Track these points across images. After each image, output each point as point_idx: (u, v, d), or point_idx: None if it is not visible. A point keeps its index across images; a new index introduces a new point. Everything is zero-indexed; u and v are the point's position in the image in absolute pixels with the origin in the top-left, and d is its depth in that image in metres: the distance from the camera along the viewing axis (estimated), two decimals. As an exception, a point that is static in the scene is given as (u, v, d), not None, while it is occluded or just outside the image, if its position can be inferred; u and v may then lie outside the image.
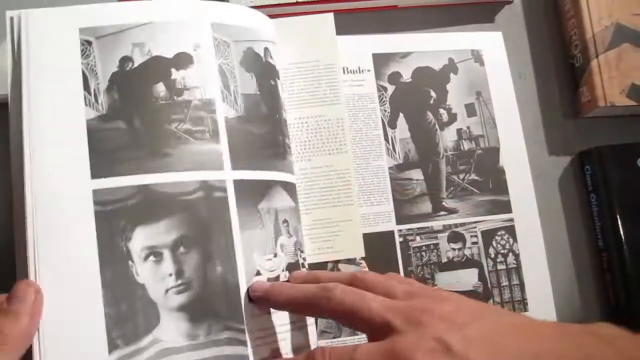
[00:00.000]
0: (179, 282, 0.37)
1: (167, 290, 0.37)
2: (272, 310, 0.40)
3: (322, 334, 0.46)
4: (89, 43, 0.41)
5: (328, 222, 0.47)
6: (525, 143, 0.53)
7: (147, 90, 0.41)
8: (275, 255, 0.41)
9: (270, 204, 0.42)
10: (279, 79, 0.47)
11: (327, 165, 0.48)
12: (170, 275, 0.37)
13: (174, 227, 0.38)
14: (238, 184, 0.40)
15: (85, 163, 0.38)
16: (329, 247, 0.47)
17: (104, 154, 0.38)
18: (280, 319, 0.41)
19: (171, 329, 0.36)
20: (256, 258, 0.40)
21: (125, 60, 0.41)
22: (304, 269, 0.44)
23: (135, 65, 0.41)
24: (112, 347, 0.35)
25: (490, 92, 0.53)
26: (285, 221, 0.43)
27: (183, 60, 0.42)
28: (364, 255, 0.47)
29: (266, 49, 0.46)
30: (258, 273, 0.40)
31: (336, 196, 0.48)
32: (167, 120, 0.40)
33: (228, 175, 0.40)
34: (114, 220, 0.37)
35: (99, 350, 0.35)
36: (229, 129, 0.42)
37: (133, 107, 0.40)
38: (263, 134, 0.43)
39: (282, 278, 0.42)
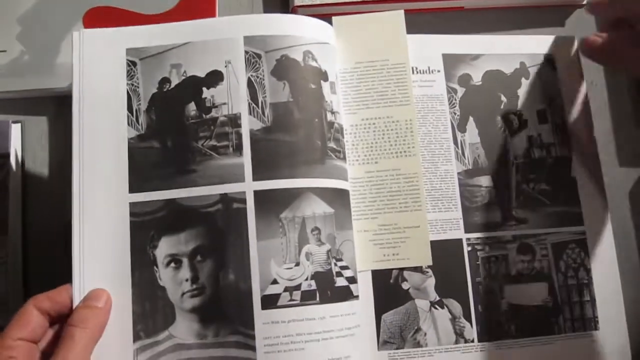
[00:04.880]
0: (194, 286, 0.41)
1: (183, 294, 0.41)
2: (291, 318, 0.40)
3: (384, 344, 0.44)
4: (134, 64, 0.44)
5: (394, 228, 0.45)
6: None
7: (179, 111, 0.44)
8: (298, 264, 0.41)
9: (296, 212, 0.42)
10: (325, 80, 0.45)
11: (394, 169, 0.46)
12: (187, 280, 0.41)
13: (193, 238, 0.42)
14: (259, 194, 0.42)
15: (125, 179, 0.42)
16: (394, 254, 0.45)
17: (140, 171, 0.43)
18: (299, 329, 0.40)
19: (184, 328, 0.41)
20: (273, 267, 0.41)
21: (164, 81, 0.44)
22: (341, 278, 0.42)
23: (172, 86, 0.44)
24: (136, 337, 0.41)
25: (563, 99, 0.50)
26: (315, 229, 0.42)
27: (214, 78, 0.44)
28: (431, 263, 0.45)
29: (307, 52, 0.45)
30: (275, 281, 0.41)
31: (403, 201, 0.46)
32: (194, 138, 0.43)
33: (248, 187, 0.42)
34: (145, 230, 0.42)
35: (126, 339, 0.40)
36: (254, 142, 0.43)
37: (166, 127, 0.44)
38: (293, 141, 0.43)
39: (305, 287, 0.41)
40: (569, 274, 0.47)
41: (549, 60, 0.51)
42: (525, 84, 0.50)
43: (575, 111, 0.50)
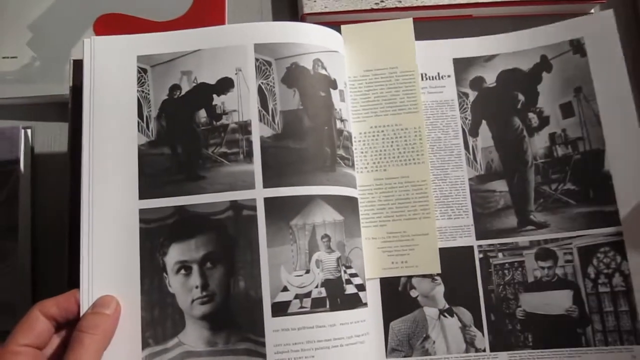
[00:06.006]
0: (204, 294, 0.41)
1: (193, 301, 0.41)
2: (301, 326, 0.41)
3: (392, 351, 0.44)
4: (145, 71, 0.45)
5: (403, 236, 0.46)
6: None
7: (190, 117, 0.44)
8: (308, 272, 0.42)
9: (306, 219, 0.42)
10: (334, 88, 0.46)
11: (403, 176, 0.47)
12: (197, 287, 0.41)
13: (203, 244, 0.42)
14: (269, 201, 0.42)
15: (134, 185, 0.43)
16: (403, 262, 0.45)
17: (150, 177, 0.43)
18: (309, 336, 0.40)
19: (194, 335, 0.41)
20: (283, 274, 0.41)
21: (175, 88, 0.44)
22: (350, 285, 0.43)
23: (183, 93, 0.44)
24: (145, 344, 0.40)
25: (594, 86, 0.46)
26: (325, 236, 0.42)
27: (224, 85, 0.44)
28: (439, 271, 0.45)
29: (317, 61, 0.45)
30: (285, 289, 0.41)
31: (412, 208, 0.46)
32: (205, 145, 0.44)
33: (258, 194, 0.42)
34: (155, 236, 0.42)
35: (134, 346, 0.40)
36: (264, 149, 0.43)
37: (177, 134, 0.44)
38: (303, 148, 0.43)
39: (315, 295, 0.41)
40: (600, 281, 0.44)
41: (577, 46, 0.47)
42: (547, 77, 0.48)
43: (612, 96, 0.46)
